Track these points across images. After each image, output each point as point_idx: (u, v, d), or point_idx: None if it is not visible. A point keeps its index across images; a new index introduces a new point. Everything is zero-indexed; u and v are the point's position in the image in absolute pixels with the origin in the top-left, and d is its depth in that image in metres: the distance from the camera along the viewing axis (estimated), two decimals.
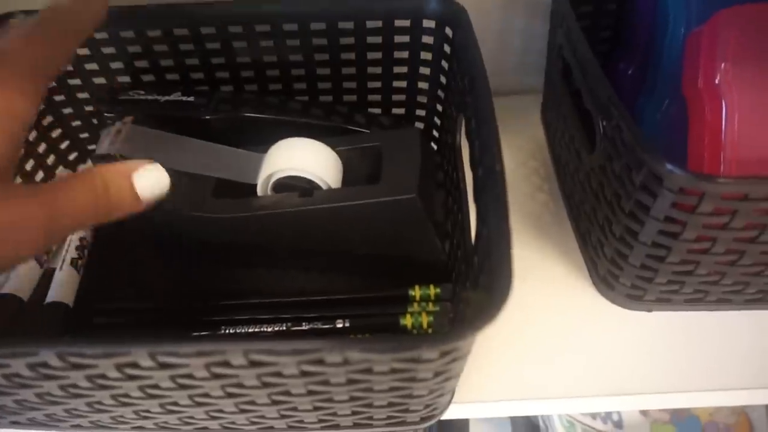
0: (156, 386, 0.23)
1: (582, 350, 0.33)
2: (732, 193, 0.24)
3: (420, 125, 0.39)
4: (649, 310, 0.34)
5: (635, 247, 0.29)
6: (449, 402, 0.29)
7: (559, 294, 0.35)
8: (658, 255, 0.29)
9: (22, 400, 0.25)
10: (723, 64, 0.29)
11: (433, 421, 0.29)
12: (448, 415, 0.31)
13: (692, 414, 0.60)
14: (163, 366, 0.21)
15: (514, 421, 0.64)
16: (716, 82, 0.29)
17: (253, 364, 0.21)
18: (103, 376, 0.22)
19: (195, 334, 0.31)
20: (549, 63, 0.41)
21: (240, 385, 0.23)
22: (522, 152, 0.44)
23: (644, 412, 0.60)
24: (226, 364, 0.21)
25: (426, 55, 0.35)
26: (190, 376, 0.22)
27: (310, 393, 0.24)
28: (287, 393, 0.24)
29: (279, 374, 0.22)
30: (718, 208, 0.25)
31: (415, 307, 0.31)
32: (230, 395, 0.24)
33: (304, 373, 0.22)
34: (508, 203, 0.23)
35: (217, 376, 0.22)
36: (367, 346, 0.20)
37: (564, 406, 0.32)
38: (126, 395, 0.24)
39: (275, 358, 0.20)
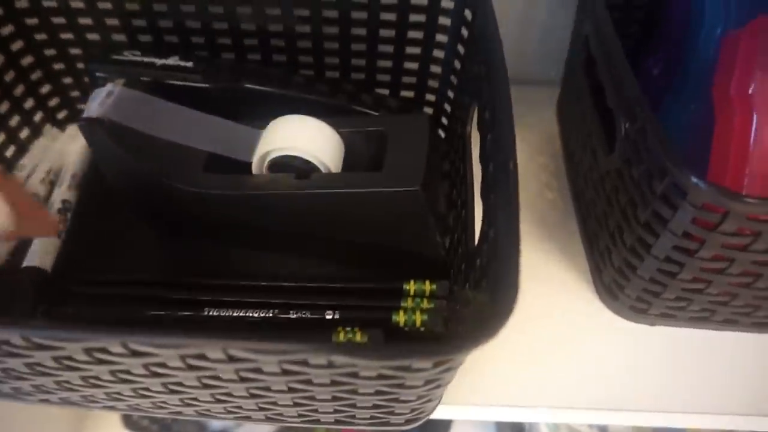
0: (128, 372, 0.22)
1: (578, 360, 0.32)
2: (759, 215, 0.23)
3: (429, 110, 0.37)
4: (652, 324, 0.32)
5: (646, 259, 0.28)
6: (436, 406, 0.28)
7: (560, 299, 0.34)
8: (670, 270, 0.27)
9: None
10: (760, 73, 0.27)
11: (417, 424, 0.28)
12: (434, 415, 0.29)
13: None
14: (136, 354, 0.20)
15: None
16: (750, 91, 0.27)
17: (232, 359, 0.19)
18: (71, 358, 0.21)
19: (177, 313, 0.30)
20: (571, 54, 0.39)
21: (216, 378, 0.21)
22: (533, 147, 0.42)
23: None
24: (203, 357, 0.19)
25: (441, 38, 0.33)
26: (163, 365, 0.21)
27: (291, 390, 0.22)
28: (267, 389, 0.22)
29: (259, 370, 0.20)
30: (741, 228, 0.23)
31: (409, 302, 0.30)
32: (206, 386, 0.22)
33: (286, 372, 0.20)
34: (518, 207, 0.21)
35: (192, 368, 0.21)
36: (355, 353, 0.18)
37: (553, 416, 0.31)
38: (96, 377, 0.23)
39: (256, 355, 0.19)
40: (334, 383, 0.21)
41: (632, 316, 0.32)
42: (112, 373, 0.22)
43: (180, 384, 0.23)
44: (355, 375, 0.20)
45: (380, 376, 0.20)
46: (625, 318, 0.33)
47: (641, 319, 0.32)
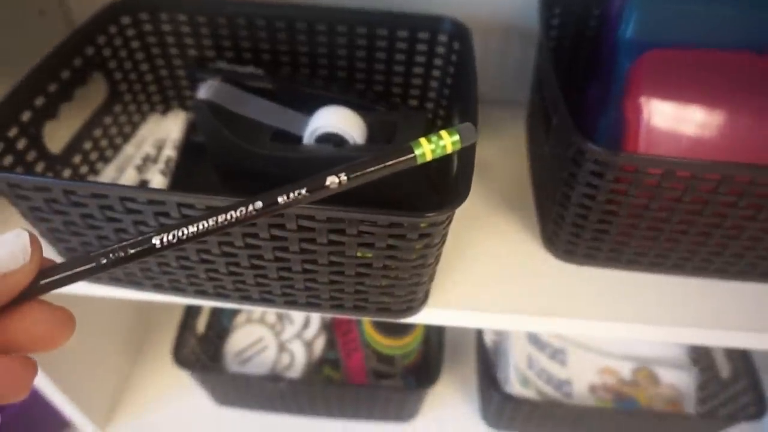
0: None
1: (525, 287, 0.44)
2: (628, 166, 0.36)
3: (429, 115, 0.52)
4: (581, 264, 0.45)
5: (569, 208, 0.41)
6: (423, 301, 0.41)
7: (516, 250, 0.47)
8: (583, 214, 0.40)
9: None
10: (644, 92, 0.41)
11: (413, 315, 0.41)
12: (422, 317, 0.42)
13: (632, 397, 0.70)
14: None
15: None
16: (639, 104, 0.41)
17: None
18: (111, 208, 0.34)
19: None
20: (533, 79, 0.53)
21: (254, 236, 0.34)
22: (507, 145, 0.56)
23: (592, 390, 0.70)
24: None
25: (438, 62, 0.48)
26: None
27: (303, 251, 0.35)
28: (286, 249, 0.35)
29: (282, 227, 0.33)
30: (618, 177, 0.37)
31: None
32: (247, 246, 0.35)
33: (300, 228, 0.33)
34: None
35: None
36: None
37: (511, 321, 0.43)
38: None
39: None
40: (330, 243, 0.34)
41: (566, 258, 0.45)
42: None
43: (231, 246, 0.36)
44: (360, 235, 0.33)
45: (388, 246, 0.33)
46: (562, 260, 0.46)
47: (572, 260, 0.45)
